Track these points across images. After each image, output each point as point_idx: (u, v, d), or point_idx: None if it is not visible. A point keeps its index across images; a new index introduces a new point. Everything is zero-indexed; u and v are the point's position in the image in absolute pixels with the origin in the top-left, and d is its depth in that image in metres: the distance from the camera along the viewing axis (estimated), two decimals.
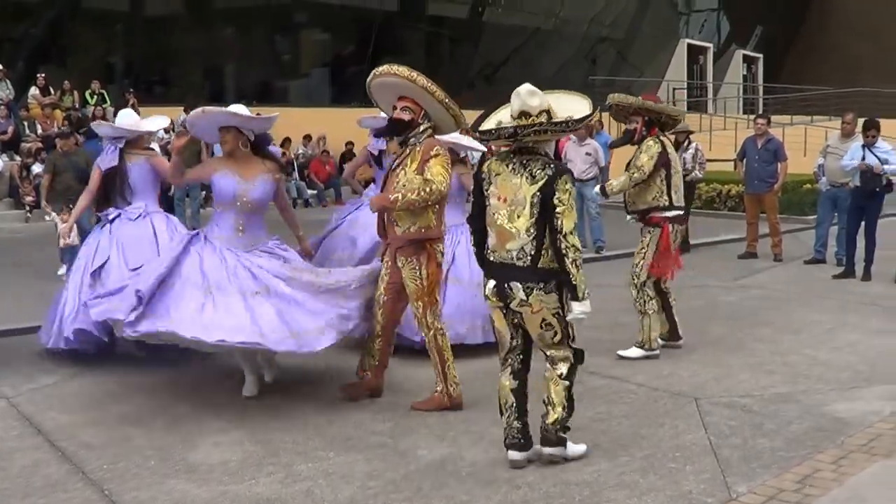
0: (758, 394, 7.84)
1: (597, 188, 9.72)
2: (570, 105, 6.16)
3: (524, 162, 6.05)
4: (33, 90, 24.76)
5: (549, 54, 35.62)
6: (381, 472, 6.11)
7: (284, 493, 5.80)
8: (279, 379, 8.08)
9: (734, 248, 16.34)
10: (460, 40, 35.05)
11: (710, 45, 44.15)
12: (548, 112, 5.98)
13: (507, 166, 6.10)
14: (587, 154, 15.80)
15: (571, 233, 5.85)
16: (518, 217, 5.96)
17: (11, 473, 6.17)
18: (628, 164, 9.08)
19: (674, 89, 37.60)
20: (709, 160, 17.83)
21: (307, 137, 26.69)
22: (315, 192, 24.81)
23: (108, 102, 25.42)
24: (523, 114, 5.96)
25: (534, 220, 5.91)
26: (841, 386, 8.09)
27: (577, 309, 5.95)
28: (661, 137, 9.09)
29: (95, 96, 25.37)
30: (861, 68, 41.60)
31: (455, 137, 8.70)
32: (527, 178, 5.98)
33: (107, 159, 9.20)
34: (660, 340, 9.26)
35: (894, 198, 14.38)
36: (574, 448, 6.32)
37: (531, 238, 5.93)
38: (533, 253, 5.95)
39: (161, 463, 6.34)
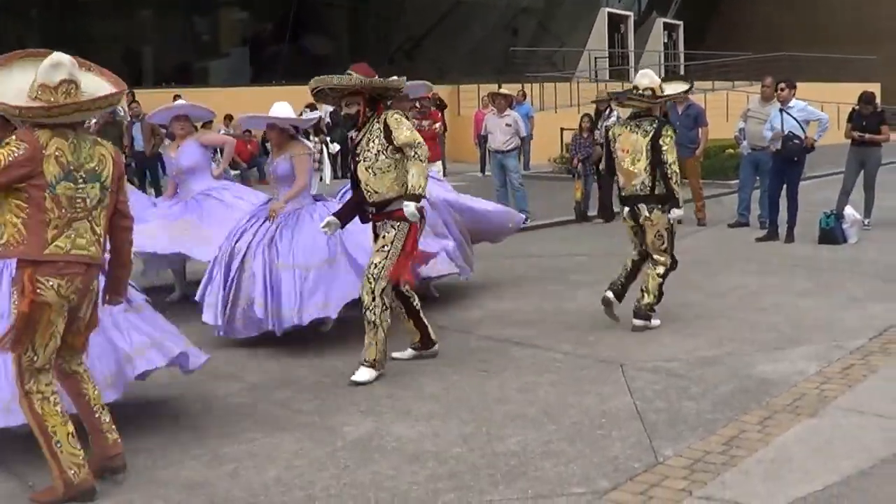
0: (683, 357, 7.88)
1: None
2: (672, 87, 9.43)
3: (638, 123, 8.78)
4: None
5: (471, 27, 35.49)
6: (307, 451, 6.05)
7: (210, 476, 5.72)
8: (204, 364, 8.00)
9: None
10: (381, 15, 34.80)
11: (631, 13, 44.21)
12: (653, 89, 8.77)
13: (626, 128, 8.87)
14: (507, 125, 15.83)
15: (674, 162, 8.62)
16: (638, 161, 8.70)
17: None
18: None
19: (595, 59, 37.66)
20: None
21: (228, 118, 26.38)
22: (238, 171, 24.60)
23: None
24: (636, 87, 8.85)
25: (648, 161, 8.63)
26: (766, 347, 8.15)
27: (676, 212, 8.75)
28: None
29: None
30: (779, 33, 42.10)
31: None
32: (641, 133, 8.70)
33: None
34: (411, 350, 8.11)
35: (816, 160, 14.53)
36: (656, 321, 8.91)
37: (648, 175, 8.66)
38: (650, 184, 8.68)
39: (83, 450, 6.21)
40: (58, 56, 5.40)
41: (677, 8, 47.54)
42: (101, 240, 5.46)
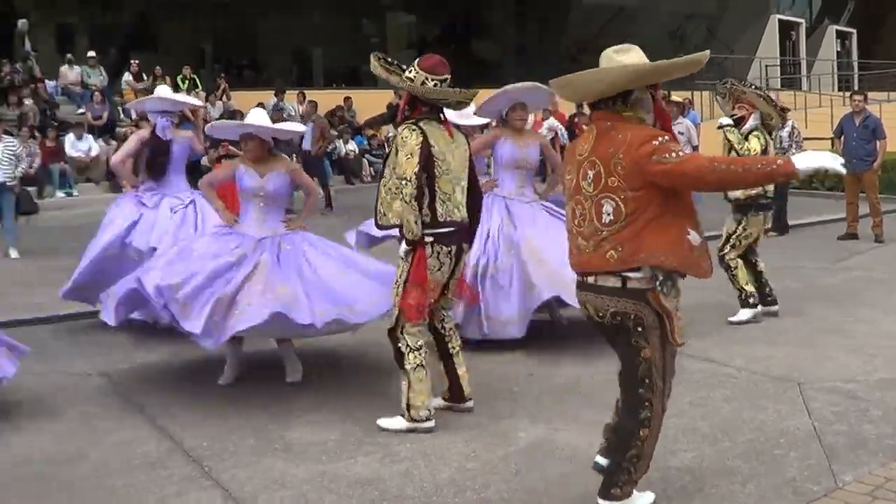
0: (861, 378, 7.62)
1: None
2: None
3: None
4: (127, 76, 25.22)
5: (637, 32, 35.16)
6: (478, 454, 6.07)
7: (383, 473, 5.79)
8: (375, 360, 8.08)
9: (834, 229, 15.93)
10: (548, 19, 34.76)
11: (802, 20, 43.22)
12: None
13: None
14: (679, 133, 15.57)
15: None
16: None
17: (111, 451, 6.25)
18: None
19: (766, 66, 36.88)
20: (805, 138, 17.47)
21: None
22: None
23: (200, 87, 25.71)
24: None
25: None
26: None
27: None
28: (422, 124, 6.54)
29: (187, 81, 25.66)
30: None
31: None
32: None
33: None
34: (440, 400, 6.89)
35: None
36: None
37: None
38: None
39: (258, 441, 6.37)
40: None
41: (850, 15, 46.25)
42: None
